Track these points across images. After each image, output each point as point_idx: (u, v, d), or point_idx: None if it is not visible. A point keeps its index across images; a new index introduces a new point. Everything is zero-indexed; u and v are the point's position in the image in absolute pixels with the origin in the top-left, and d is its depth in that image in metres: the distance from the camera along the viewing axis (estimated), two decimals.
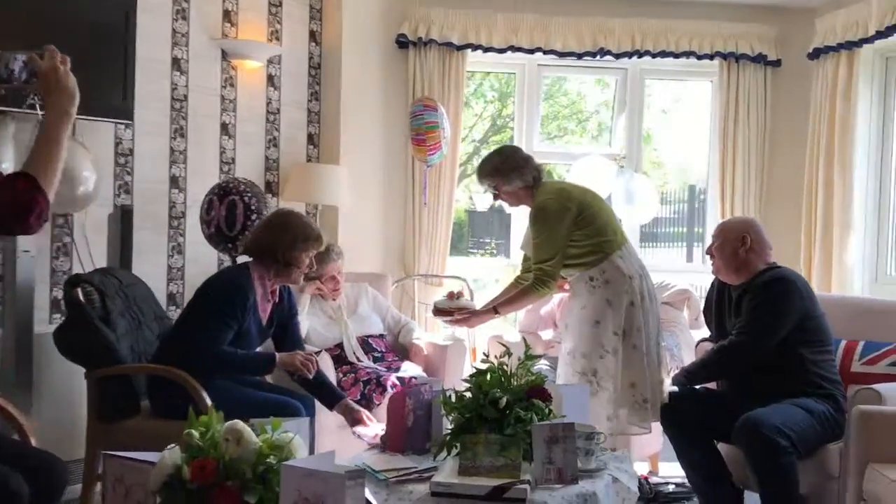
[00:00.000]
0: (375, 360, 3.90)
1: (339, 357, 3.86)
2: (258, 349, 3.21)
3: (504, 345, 2.76)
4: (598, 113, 10.30)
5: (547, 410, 2.58)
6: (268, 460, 1.71)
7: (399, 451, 2.68)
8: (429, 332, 4.45)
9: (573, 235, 3.22)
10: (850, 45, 4.53)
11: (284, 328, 3.27)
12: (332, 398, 3.17)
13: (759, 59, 5.08)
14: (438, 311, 3.46)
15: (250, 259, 3.16)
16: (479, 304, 3.65)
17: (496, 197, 3.41)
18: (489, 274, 5.73)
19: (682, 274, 5.06)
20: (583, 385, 3.07)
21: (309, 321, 3.91)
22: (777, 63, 5.13)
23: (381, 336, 4.05)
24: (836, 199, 4.65)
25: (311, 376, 3.08)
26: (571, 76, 8.25)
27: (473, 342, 3.94)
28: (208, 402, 2.80)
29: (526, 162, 3.34)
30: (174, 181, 4.17)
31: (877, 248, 4.72)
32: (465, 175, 12.02)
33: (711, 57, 5.11)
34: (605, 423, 3.13)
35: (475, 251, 9.24)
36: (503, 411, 2.50)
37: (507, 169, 3.32)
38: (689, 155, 8.21)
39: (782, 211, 5.01)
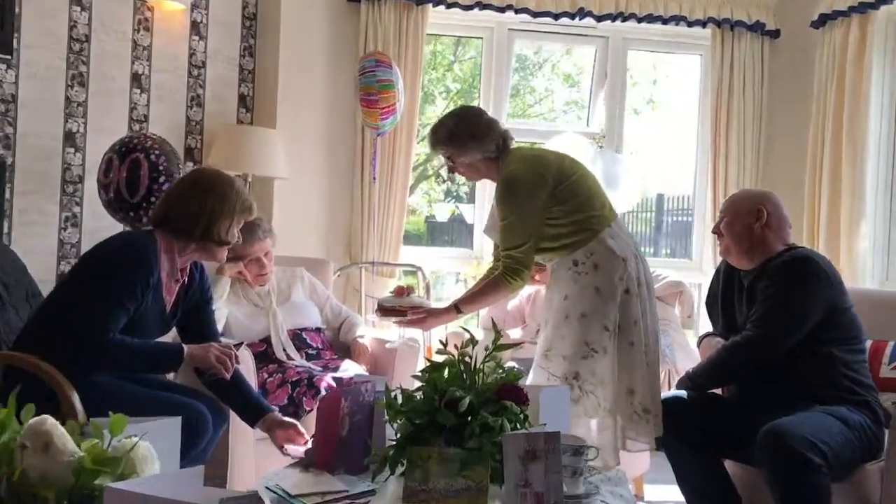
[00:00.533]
0: (309, 357, 3.29)
1: (265, 354, 3.26)
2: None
3: (466, 330, 2.18)
4: (566, 113, 9.88)
5: (523, 416, 2.01)
6: (96, 481, 1.10)
7: (328, 468, 2.10)
8: (376, 329, 3.85)
9: (551, 212, 2.67)
10: (865, 7, 4.07)
11: (195, 317, 2.64)
12: (256, 410, 2.54)
13: (756, 28, 4.61)
14: (385, 310, 2.84)
15: (155, 227, 2.53)
16: (435, 301, 3.06)
17: (451, 169, 2.82)
18: (449, 266, 5.15)
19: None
20: (562, 387, 2.50)
21: (229, 310, 3.29)
22: (776, 34, 4.66)
23: (318, 330, 3.45)
24: (844, 184, 4.18)
25: (228, 375, 2.46)
26: (545, 48, 7.78)
27: (429, 341, 3.36)
28: (77, 403, 2.16)
29: (489, 128, 2.76)
30: (70, 138, 3.53)
31: (888, 239, 4.25)
32: (424, 176, 11.49)
33: (703, 24, 4.62)
34: (595, 435, 2.59)
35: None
36: (465, 417, 1.94)
37: (462, 136, 2.73)
38: (657, 161, 7.81)
39: (782, 199, 4.49)
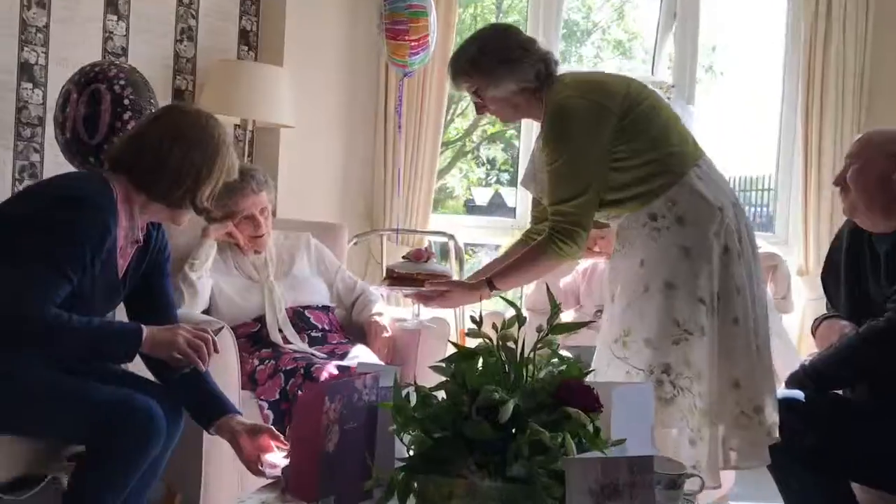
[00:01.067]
0: (312, 341, 2.71)
1: (258, 335, 2.69)
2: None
3: (511, 304, 1.55)
4: None
5: (594, 429, 1.38)
6: None
7: (309, 496, 1.49)
8: (401, 308, 3.25)
9: (616, 152, 2.05)
10: None
11: (148, 286, 2.06)
12: (212, 408, 1.95)
13: None
14: (395, 278, 2.22)
15: (110, 170, 1.95)
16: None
17: (481, 108, 2.20)
18: (487, 237, 4.52)
19: None
20: (643, 385, 1.88)
21: (214, 281, 2.73)
22: None
23: (325, 309, 2.85)
24: None
25: (204, 367, 1.86)
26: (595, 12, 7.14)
27: (462, 322, 2.74)
28: None
29: (524, 50, 2.13)
30: (26, 70, 2.98)
31: None
32: (464, 153, 10.86)
33: None
34: (687, 449, 1.97)
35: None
36: (507, 429, 1.34)
37: (489, 62, 2.11)
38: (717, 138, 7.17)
39: None
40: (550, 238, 2.06)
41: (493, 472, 1.30)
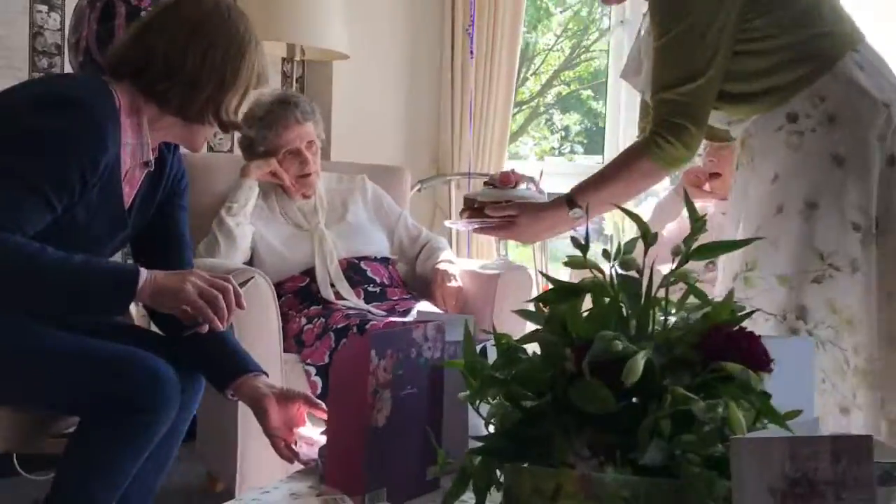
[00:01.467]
0: (369, 297, 2.37)
1: (307, 291, 2.36)
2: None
3: (634, 217, 1.12)
4: None
5: (761, 392, 0.96)
6: None
7: (352, 489, 1.12)
8: (472, 260, 2.87)
9: (748, 30, 1.61)
10: None
11: (159, 221, 1.71)
12: (236, 365, 1.58)
13: None
14: (477, 209, 1.79)
15: (111, 76, 1.59)
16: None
17: None
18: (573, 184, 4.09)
19: None
20: (804, 340, 1.46)
21: (255, 228, 2.42)
22: None
23: (385, 261, 2.51)
24: None
25: (223, 325, 1.47)
26: None
27: (546, 267, 2.34)
28: None
29: None
30: None
31: None
32: (538, 114, 10.35)
33: None
34: (835, 418, 1.56)
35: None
36: (632, 395, 0.93)
37: None
38: None
39: None
40: (652, 137, 1.61)
41: (616, 458, 0.89)
